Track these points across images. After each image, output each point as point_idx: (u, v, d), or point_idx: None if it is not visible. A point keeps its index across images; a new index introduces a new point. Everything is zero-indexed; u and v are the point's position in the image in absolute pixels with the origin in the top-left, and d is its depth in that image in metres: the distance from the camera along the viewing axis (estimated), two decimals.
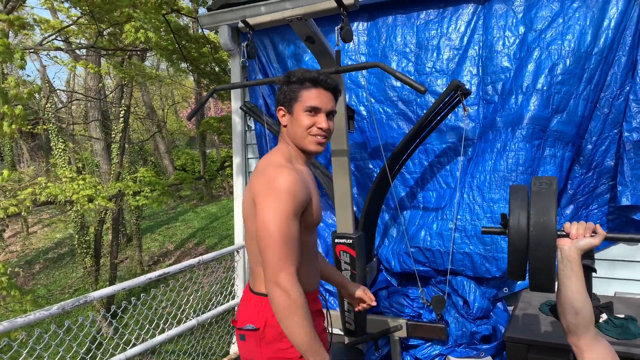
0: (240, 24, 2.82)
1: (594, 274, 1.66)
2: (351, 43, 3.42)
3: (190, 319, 3.62)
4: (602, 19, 2.87)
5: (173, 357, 3.78)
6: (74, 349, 2.92)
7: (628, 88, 2.87)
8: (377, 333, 3.01)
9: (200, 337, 4.11)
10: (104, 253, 12.63)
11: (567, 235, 1.57)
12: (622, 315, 2.59)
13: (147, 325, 3.37)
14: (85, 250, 11.48)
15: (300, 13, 2.58)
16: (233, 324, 1.86)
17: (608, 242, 3.03)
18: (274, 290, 1.54)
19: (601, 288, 3.02)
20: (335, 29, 2.46)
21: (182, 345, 4.14)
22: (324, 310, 2.02)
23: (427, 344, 3.12)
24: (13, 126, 4.66)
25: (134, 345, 3.13)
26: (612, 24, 2.85)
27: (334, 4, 2.49)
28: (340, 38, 2.46)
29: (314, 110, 1.72)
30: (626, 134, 2.80)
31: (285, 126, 1.79)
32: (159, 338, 3.28)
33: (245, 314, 1.78)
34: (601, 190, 3.02)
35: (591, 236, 1.52)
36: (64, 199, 6.56)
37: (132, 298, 3.26)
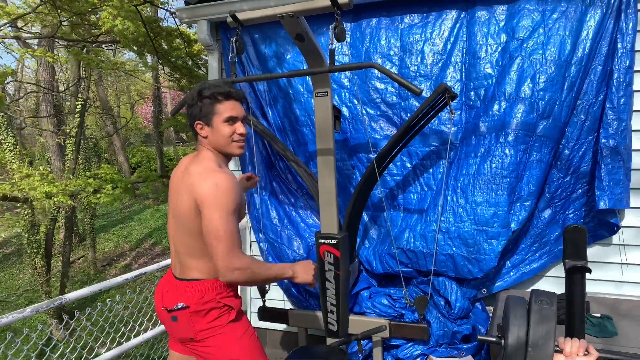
0: (229, 19, 2.73)
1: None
2: (335, 44, 3.41)
3: (160, 325, 3.50)
4: (580, 30, 2.99)
5: None
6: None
7: (602, 96, 3.01)
8: (361, 334, 3.01)
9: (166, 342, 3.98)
10: (54, 253, 12.05)
11: (561, 352, 1.60)
12: (598, 314, 2.71)
13: (113, 333, 3.23)
14: (35, 250, 10.88)
15: (293, 10, 2.54)
16: (164, 308, 2.01)
17: None
18: (233, 274, 1.81)
19: None
20: (330, 27, 2.44)
21: (143, 350, 4.00)
22: None
23: (409, 344, 3.15)
24: None
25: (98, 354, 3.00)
26: (590, 34, 2.97)
27: (328, 3, 2.46)
28: (334, 37, 2.44)
29: (232, 120, 2.02)
30: (603, 140, 2.93)
31: (205, 137, 2.03)
32: (132, 341, 3.16)
33: (174, 297, 2.00)
34: (577, 194, 3.14)
35: (585, 354, 1.56)
36: (21, 195, 6.20)
37: (87, 307, 3.11)
